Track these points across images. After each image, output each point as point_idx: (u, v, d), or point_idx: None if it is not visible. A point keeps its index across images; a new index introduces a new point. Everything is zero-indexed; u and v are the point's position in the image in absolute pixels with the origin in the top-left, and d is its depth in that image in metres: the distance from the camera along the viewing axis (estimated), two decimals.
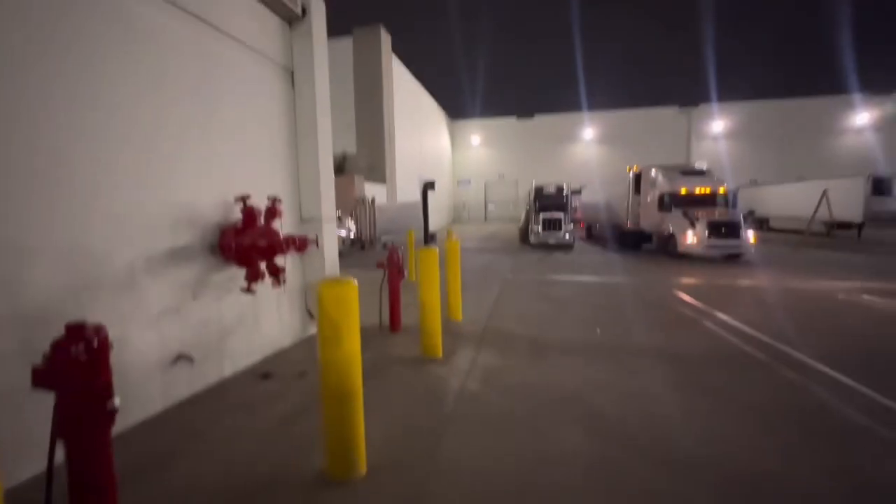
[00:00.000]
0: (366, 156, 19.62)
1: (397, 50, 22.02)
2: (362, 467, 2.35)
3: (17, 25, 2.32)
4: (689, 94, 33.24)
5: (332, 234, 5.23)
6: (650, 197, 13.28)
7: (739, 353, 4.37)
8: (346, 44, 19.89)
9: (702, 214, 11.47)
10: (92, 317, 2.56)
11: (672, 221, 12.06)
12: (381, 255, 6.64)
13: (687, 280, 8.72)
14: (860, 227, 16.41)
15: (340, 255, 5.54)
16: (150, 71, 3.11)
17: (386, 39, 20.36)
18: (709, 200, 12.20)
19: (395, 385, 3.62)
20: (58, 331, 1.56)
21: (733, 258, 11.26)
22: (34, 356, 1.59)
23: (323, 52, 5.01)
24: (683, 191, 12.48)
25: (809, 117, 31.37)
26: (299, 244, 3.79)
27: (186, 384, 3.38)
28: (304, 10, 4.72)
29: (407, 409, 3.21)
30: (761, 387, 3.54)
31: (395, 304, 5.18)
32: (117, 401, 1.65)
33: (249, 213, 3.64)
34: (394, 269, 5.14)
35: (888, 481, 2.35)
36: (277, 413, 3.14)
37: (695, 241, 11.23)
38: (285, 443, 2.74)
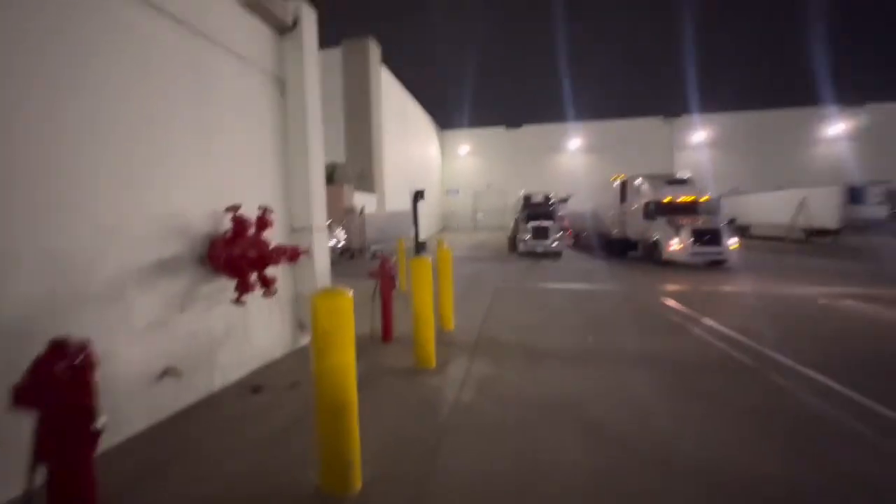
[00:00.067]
0: (355, 165, 19.60)
1: (387, 61, 22.21)
2: (357, 482, 2.30)
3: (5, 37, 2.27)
4: (672, 106, 34.14)
5: (324, 243, 5.18)
6: (635, 205, 13.51)
7: (728, 358, 4.44)
8: (335, 54, 19.96)
9: (685, 222, 11.70)
10: (76, 329, 2.47)
11: (657, 229, 12.27)
12: (370, 264, 6.59)
13: (673, 287, 8.85)
14: (837, 233, 16.93)
15: (330, 264, 5.48)
16: (139, 79, 3.07)
17: (375, 51, 20.52)
18: (692, 209, 12.47)
19: (389, 396, 3.57)
20: (40, 345, 1.50)
21: (716, 265, 11.49)
22: (14, 373, 1.51)
23: (314, 62, 5.01)
24: (667, 199, 12.74)
25: (787, 128, 32.48)
26: (291, 255, 3.74)
27: (174, 398, 3.28)
28: (295, 21, 4.72)
29: (401, 420, 3.17)
30: (753, 392, 3.59)
31: (388, 315, 5.14)
32: (103, 420, 1.59)
33: (240, 223, 3.58)
34: (386, 280, 5.11)
35: (882, 483, 2.38)
36: (269, 427, 3.06)
37: (679, 249, 11.44)
38: (277, 457, 2.67)
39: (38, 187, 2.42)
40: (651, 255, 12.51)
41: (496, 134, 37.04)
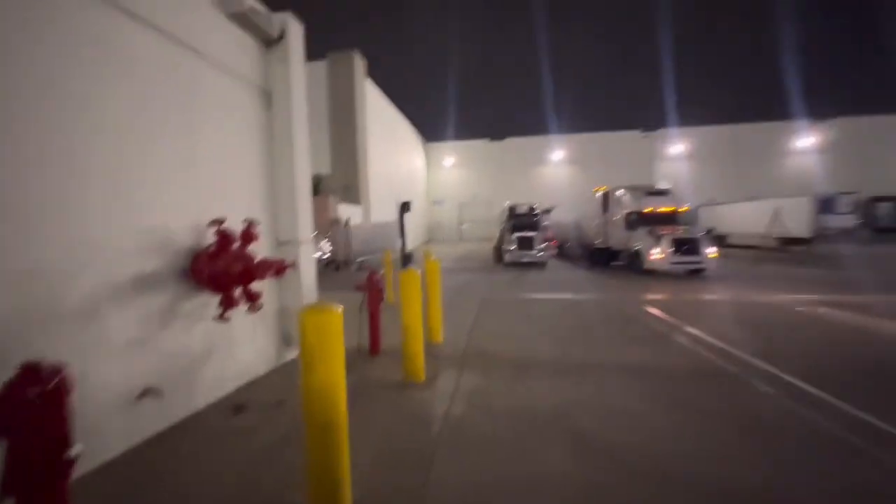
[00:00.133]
0: (340, 177, 19.54)
1: (373, 74, 22.37)
2: (347, 502, 2.22)
3: None
4: (652, 119, 35.38)
5: (310, 256, 5.11)
6: (617, 216, 13.78)
7: (714, 367, 4.50)
8: (321, 67, 20.01)
9: (666, 232, 11.97)
10: (49, 350, 2.36)
11: (638, 239, 12.52)
12: (356, 275, 6.52)
13: (655, 295, 9.00)
14: (809, 242, 17.56)
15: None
16: (120, 90, 3.00)
17: (360, 64, 20.65)
18: (672, 219, 12.79)
19: (379, 411, 3.50)
20: (10, 369, 1.42)
21: (695, 273, 11.75)
22: None
23: (300, 75, 5.00)
24: (648, 210, 13.04)
25: (760, 141, 33.77)
26: (277, 269, 3.67)
27: (154, 420, 3.15)
28: (281, 34, 4.71)
29: (391, 436, 3.10)
30: (739, 401, 3.63)
31: (375, 328, 5.07)
32: (78, 449, 1.50)
33: (224, 236, 3.50)
34: (373, 292, 5.05)
35: (871, 488, 2.43)
36: (254, 447, 2.96)
37: (660, 258, 11.67)
38: (262, 479, 2.58)
39: (7, 201, 2.32)
40: (633, 264, 12.73)
41: (481, 146, 37.46)
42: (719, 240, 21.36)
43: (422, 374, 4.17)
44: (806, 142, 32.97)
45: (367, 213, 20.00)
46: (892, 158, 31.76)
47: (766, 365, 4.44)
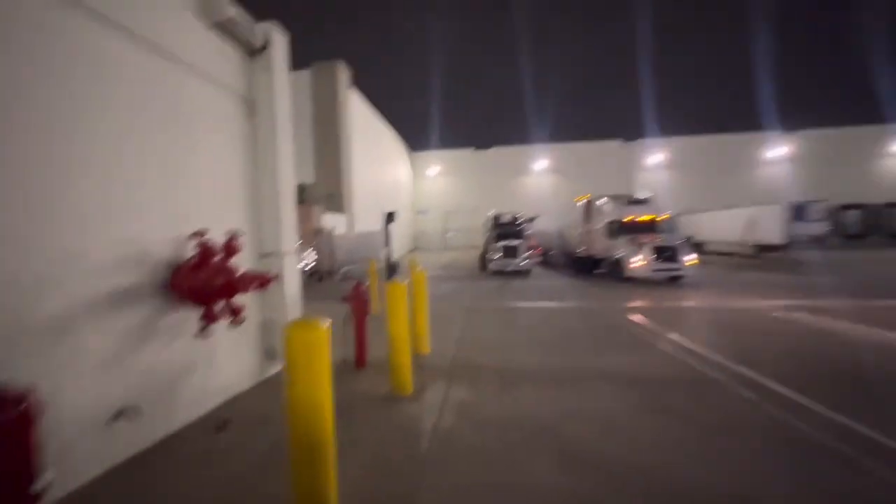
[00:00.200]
0: (324, 186, 19.37)
1: (359, 84, 22.39)
2: None
3: None
4: (632, 129, 36.44)
5: (294, 268, 5.03)
6: (599, 225, 14.03)
7: (696, 373, 4.58)
8: (305, 76, 19.93)
9: (646, 240, 12.22)
10: (17, 370, 2.25)
11: (619, 247, 12.75)
12: (341, 286, 6.44)
13: (637, 303, 9.15)
14: (783, 248, 18.16)
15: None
16: (96, 98, 2.92)
17: (344, 73, 20.66)
18: (652, 227, 13.06)
19: (366, 427, 3.44)
20: None
21: (675, 280, 12.00)
22: None
23: (284, 85, 4.97)
24: (629, 219, 13.31)
25: (735, 151, 34.98)
26: (261, 282, 3.59)
27: (131, 441, 3.02)
28: (265, 43, 4.68)
29: (380, 452, 3.05)
30: (724, 408, 3.68)
31: (361, 340, 5.00)
32: (47, 478, 1.43)
33: (205, 249, 3.42)
34: (359, 304, 4.99)
35: (860, 493, 2.49)
36: (236, 467, 2.87)
37: (640, 266, 11.90)
38: (245, 501, 2.49)
39: None
40: (615, 271, 12.94)
41: (466, 155, 37.77)
42: (697, 247, 21.94)
43: (410, 387, 4.13)
44: (778, 152, 34.29)
45: (352, 223, 19.86)
46: (856, 168, 33.29)
47: (746, 370, 4.54)
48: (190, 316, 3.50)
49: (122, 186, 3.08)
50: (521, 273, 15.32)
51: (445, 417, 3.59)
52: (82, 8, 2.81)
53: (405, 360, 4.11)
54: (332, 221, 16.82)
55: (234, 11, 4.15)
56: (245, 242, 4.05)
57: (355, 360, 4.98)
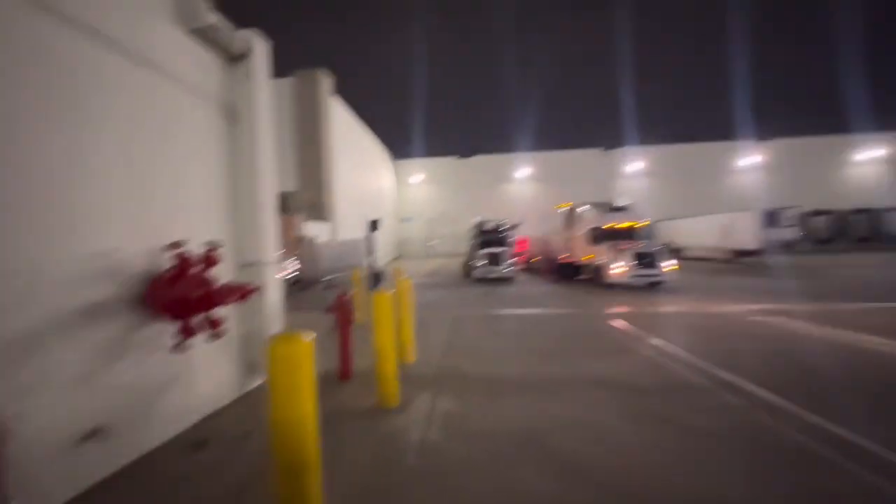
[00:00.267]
0: (307, 194, 19.16)
1: (341, 92, 22.32)
2: None
3: None
4: (612, 138, 37.32)
5: (276, 278, 4.93)
6: (580, 231, 14.24)
7: (678, 378, 4.65)
8: (287, 83, 19.79)
9: (626, 247, 12.45)
10: None
11: (600, 254, 12.95)
12: (323, 295, 6.34)
13: (619, 308, 9.28)
14: (757, 253, 18.74)
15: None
16: (66, 104, 2.81)
17: (326, 81, 20.57)
18: (632, 234, 13.32)
19: (353, 442, 3.36)
20: None
21: (654, 286, 12.25)
22: None
23: (265, 92, 4.90)
24: (609, 226, 13.55)
25: (710, 159, 36.13)
26: (241, 294, 3.49)
27: (103, 463, 2.87)
28: (246, 51, 4.62)
29: (367, 468, 2.98)
30: (709, 413, 3.71)
31: (346, 352, 4.91)
32: None
33: (183, 261, 3.31)
34: (344, 315, 4.91)
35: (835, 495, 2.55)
36: (215, 489, 2.75)
37: (621, 272, 12.11)
38: None
39: None
40: (596, 277, 13.13)
41: (449, 163, 37.98)
42: (676, 253, 22.49)
43: (396, 399, 4.07)
44: (750, 160, 35.56)
45: (335, 231, 19.67)
46: (823, 176, 34.77)
47: (727, 374, 4.63)
48: (166, 329, 3.38)
49: (93, 197, 2.96)
50: (505, 280, 15.39)
51: (433, 430, 3.54)
52: (50, 10, 2.71)
53: (391, 372, 4.05)
54: (315, 230, 16.62)
55: (214, 18, 4.08)
56: (225, 253, 3.95)
57: (340, 373, 4.89)
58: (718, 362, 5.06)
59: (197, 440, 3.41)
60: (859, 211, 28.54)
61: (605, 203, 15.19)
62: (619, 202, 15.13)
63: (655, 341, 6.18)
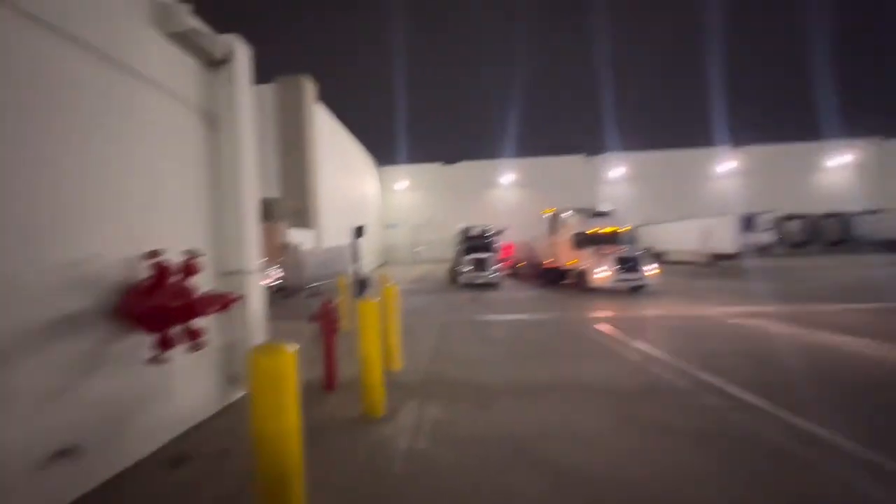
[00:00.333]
0: (291, 201, 18.92)
1: (324, 98, 22.21)
2: None
3: None
4: (594, 145, 38.14)
5: (258, 287, 4.82)
6: (564, 237, 14.41)
7: (662, 381, 4.71)
8: (270, 89, 19.61)
9: (609, 252, 12.65)
10: None
11: (583, 258, 13.11)
12: (307, 303, 6.24)
13: (603, 313, 9.38)
14: (735, 257, 19.24)
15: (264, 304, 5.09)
16: (37, 108, 2.71)
17: (310, 88, 20.45)
18: (614, 239, 13.53)
19: (339, 454, 3.29)
20: None
21: (637, 289, 12.45)
22: None
23: (247, 98, 4.83)
24: (592, 231, 13.75)
25: (688, 165, 37.03)
26: (222, 304, 3.40)
27: (74, 483, 2.74)
28: (228, 56, 4.55)
29: (353, 479, 2.91)
30: (694, 416, 3.75)
31: (331, 362, 4.83)
32: None
33: (160, 270, 3.21)
34: (328, 324, 4.84)
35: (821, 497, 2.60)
36: None
37: (604, 277, 12.27)
38: None
39: None
40: (580, 282, 13.27)
41: (434, 170, 38.07)
42: (657, 257, 22.93)
43: (382, 408, 4.01)
44: (727, 166, 36.63)
45: (320, 238, 19.45)
46: (796, 181, 36.01)
47: (708, 376, 4.71)
48: (143, 341, 3.26)
49: (66, 204, 2.86)
50: (491, 285, 15.43)
51: (420, 438, 3.49)
52: (19, 11, 2.62)
53: (377, 380, 4.00)
54: (299, 237, 16.40)
55: (193, 22, 4.01)
56: (206, 261, 3.86)
57: (325, 382, 4.80)
58: (700, 364, 5.15)
59: (176, 456, 3.29)
60: (830, 215, 29.60)
61: (588, 209, 15.42)
62: (602, 208, 15.38)
63: (639, 345, 6.25)
